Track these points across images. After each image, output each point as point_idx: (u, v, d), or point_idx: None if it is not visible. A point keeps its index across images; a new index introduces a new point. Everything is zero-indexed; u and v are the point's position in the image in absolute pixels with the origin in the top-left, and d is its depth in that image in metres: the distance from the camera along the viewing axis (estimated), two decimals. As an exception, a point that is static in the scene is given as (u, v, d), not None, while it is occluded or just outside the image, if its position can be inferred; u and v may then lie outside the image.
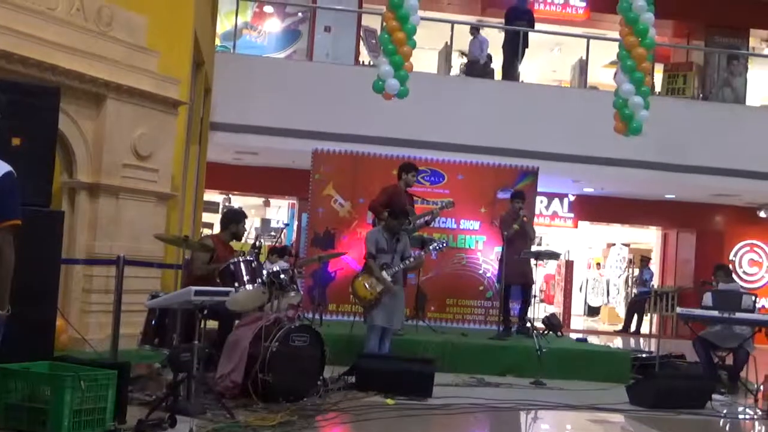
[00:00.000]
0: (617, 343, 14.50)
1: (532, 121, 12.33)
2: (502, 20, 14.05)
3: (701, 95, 15.34)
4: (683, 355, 9.62)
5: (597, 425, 6.57)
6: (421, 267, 9.00)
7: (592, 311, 21.27)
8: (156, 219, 7.54)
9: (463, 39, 14.40)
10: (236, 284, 6.06)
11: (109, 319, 6.66)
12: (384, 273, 7.48)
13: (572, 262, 19.04)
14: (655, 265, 17.78)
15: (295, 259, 8.18)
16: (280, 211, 20.67)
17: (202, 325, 5.48)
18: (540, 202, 15.85)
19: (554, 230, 17.86)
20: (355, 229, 10.00)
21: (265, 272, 6.29)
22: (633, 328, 16.49)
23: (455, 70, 14.88)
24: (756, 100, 16.37)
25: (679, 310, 9.08)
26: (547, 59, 17.91)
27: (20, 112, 5.23)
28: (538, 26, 14.34)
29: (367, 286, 7.49)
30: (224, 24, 14.61)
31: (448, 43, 13.98)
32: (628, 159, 12.44)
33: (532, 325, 9.13)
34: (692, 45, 16.31)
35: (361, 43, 16.08)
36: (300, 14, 16.37)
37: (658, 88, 14.87)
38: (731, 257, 16.61)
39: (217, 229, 8.25)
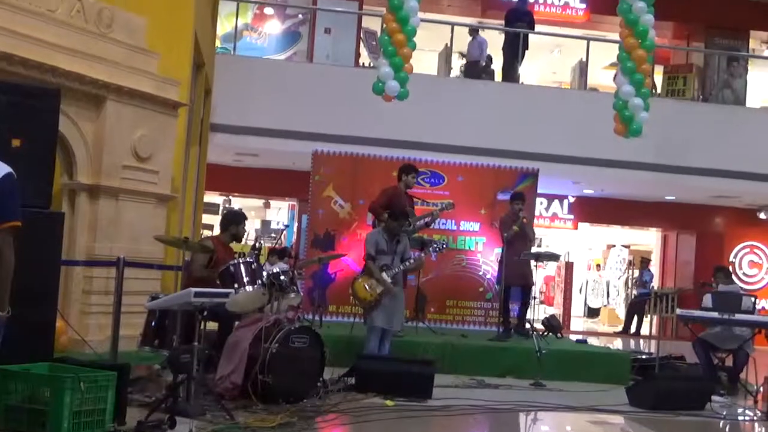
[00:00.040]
0: (617, 344, 14.50)
1: (532, 123, 12.34)
2: (502, 22, 14.07)
3: (701, 97, 15.34)
4: (683, 357, 9.62)
5: (597, 426, 6.57)
6: (421, 268, 9.00)
7: (592, 313, 21.27)
8: (156, 220, 7.55)
9: (463, 41, 14.41)
10: (236, 286, 6.06)
11: (108, 320, 6.67)
12: (384, 274, 7.48)
13: (572, 263, 19.04)
14: (655, 267, 17.78)
15: (294, 261, 8.20)
16: (280, 212, 20.67)
17: (202, 327, 5.49)
18: (540, 204, 15.85)
19: (554, 232, 17.86)
20: (355, 231, 10.00)
21: (264, 274, 6.29)
22: (633, 329, 16.49)
23: (455, 71, 14.88)
24: (756, 102, 16.38)
25: (678, 311, 9.08)
26: (547, 61, 17.92)
27: (21, 113, 5.25)
28: (538, 28, 14.36)
29: (367, 287, 7.49)
30: (224, 26, 14.62)
31: (448, 45, 13.99)
32: (628, 160, 12.45)
33: (532, 326, 9.13)
34: (692, 47, 16.32)
35: (362, 44, 16.10)
36: (300, 16, 16.37)
37: (658, 89, 14.88)
38: (731, 259, 16.61)
39: (217, 231, 8.25)
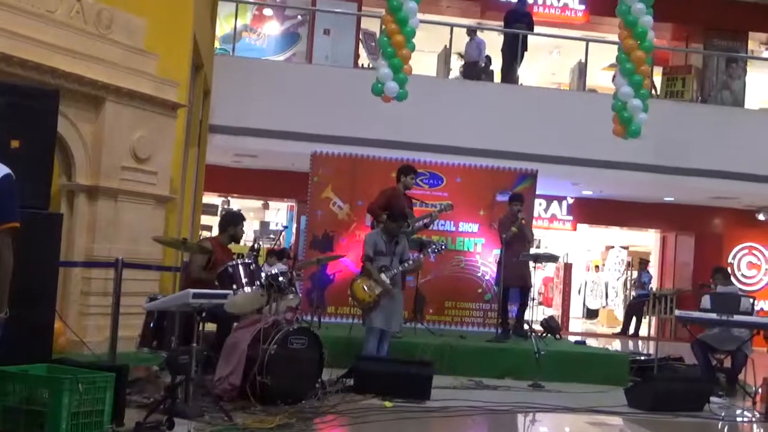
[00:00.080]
0: (616, 345, 14.51)
1: (531, 124, 12.34)
2: (502, 23, 14.07)
3: (700, 98, 15.36)
4: (681, 358, 9.62)
5: (595, 428, 6.58)
6: (420, 269, 9.01)
7: (591, 314, 21.27)
8: (154, 221, 7.54)
9: (462, 42, 14.42)
10: (234, 287, 6.06)
11: (107, 321, 6.66)
12: (383, 275, 7.49)
13: (571, 264, 19.05)
14: (653, 268, 17.78)
15: (293, 262, 8.19)
16: (279, 213, 20.69)
17: (201, 328, 5.49)
18: (539, 205, 15.86)
19: (553, 233, 17.87)
20: (354, 232, 10.00)
21: (263, 275, 6.29)
22: (631, 330, 16.49)
23: (454, 72, 14.89)
24: (755, 103, 16.41)
25: (677, 312, 9.09)
26: (547, 62, 17.93)
27: (19, 114, 5.24)
28: (537, 29, 14.36)
29: (365, 288, 7.50)
30: (224, 27, 14.62)
31: (447, 46, 14.00)
32: (626, 162, 12.46)
33: (531, 327, 9.13)
34: (691, 48, 16.34)
35: (361, 46, 16.10)
36: (299, 17, 16.38)
37: (657, 91, 14.89)
38: (730, 260, 16.62)
39: (215, 232, 8.25)
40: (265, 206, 20.36)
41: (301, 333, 6.18)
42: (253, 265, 6.29)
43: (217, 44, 13.43)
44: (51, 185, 5.66)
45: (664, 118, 11.67)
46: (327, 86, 11.98)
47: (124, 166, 7.27)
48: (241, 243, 9.69)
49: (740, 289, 10.79)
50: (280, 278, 6.29)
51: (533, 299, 9.55)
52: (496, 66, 14.47)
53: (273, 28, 16.67)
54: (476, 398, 6.95)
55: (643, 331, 16.44)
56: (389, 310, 7.53)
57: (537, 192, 10.90)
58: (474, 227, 10.37)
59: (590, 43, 13.69)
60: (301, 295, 7.49)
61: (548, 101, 13.06)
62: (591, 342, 11.97)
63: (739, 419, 7.46)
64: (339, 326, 9.25)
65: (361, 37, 15.95)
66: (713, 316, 8.04)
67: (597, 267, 21.94)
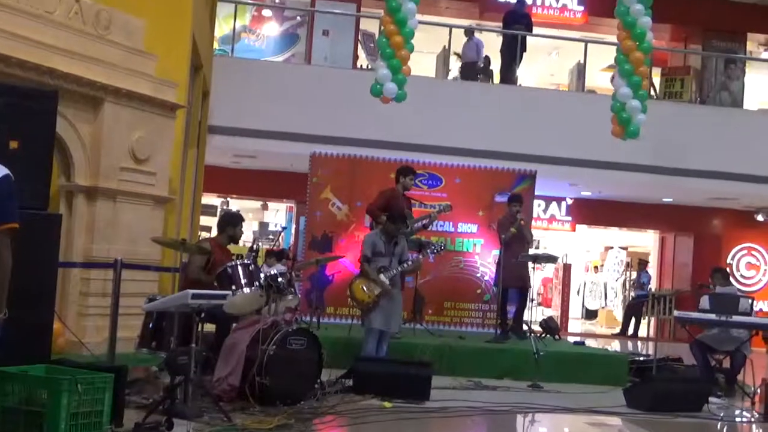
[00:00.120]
0: (615, 346, 14.52)
1: (530, 125, 12.34)
2: (500, 24, 14.08)
3: (699, 99, 15.38)
4: (680, 359, 9.62)
5: (594, 428, 6.58)
6: (419, 270, 9.02)
7: (590, 314, 21.28)
8: (153, 222, 7.54)
9: (461, 43, 14.42)
10: (233, 287, 6.06)
11: (106, 322, 6.66)
12: (382, 276, 7.49)
13: (570, 265, 19.04)
14: (652, 269, 17.79)
15: (292, 263, 8.18)
16: (278, 214, 20.69)
17: (200, 329, 5.48)
18: (538, 206, 15.86)
19: (552, 233, 17.87)
20: (353, 233, 10.00)
21: (262, 275, 6.29)
22: (630, 331, 16.50)
23: (453, 73, 14.89)
24: (753, 104, 16.42)
25: (676, 313, 9.09)
26: (545, 63, 17.94)
27: (18, 115, 5.24)
28: (536, 30, 14.37)
29: (365, 289, 7.50)
30: (223, 27, 14.63)
31: (446, 47, 14.00)
32: (625, 162, 12.46)
33: (530, 328, 9.14)
34: (690, 49, 16.35)
35: (359, 46, 16.10)
36: (298, 18, 16.40)
37: (657, 92, 14.90)
38: (729, 260, 16.63)
39: (215, 233, 8.25)
40: (264, 207, 20.37)
41: (300, 334, 6.18)
42: (252, 265, 6.29)
43: (216, 45, 13.44)
44: (50, 186, 5.65)
45: (662, 119, 11.68)
46: (326, 87, 11.98)
47: (123, 166, 7.27)
48: (240, 244, 9.69)
49: (739, 290, 10.81)
50: (279, 279, 6.29)
51: (532, 300, 9.56)
52: (495, 66, 14.48)
53: (272, 29, 16.68)
54: (475, 399, 6.96)
55: (642, 332, 16.44)
56: (388, 311, 7.53)
57: (536, 193, 10.90)
58: (473, 228, 10.38)
59: (589, 44, 13.69)
60: (300, 295, 7.49)
61: (547, 102, 13.06)
62: (590, 342, 11.97)
63: (737, 420, 7.47)
64: (338, 327, 9.26)
65: (360, 38, 15.96)
66: (712, 316, 8.04)
67: (596, 268, 21.95)
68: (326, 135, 11.53)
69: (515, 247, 9.03)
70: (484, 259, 10.28)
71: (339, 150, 10.53)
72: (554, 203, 16.71)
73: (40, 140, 5.43)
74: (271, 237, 17.87)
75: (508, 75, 13.75)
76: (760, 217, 16.22)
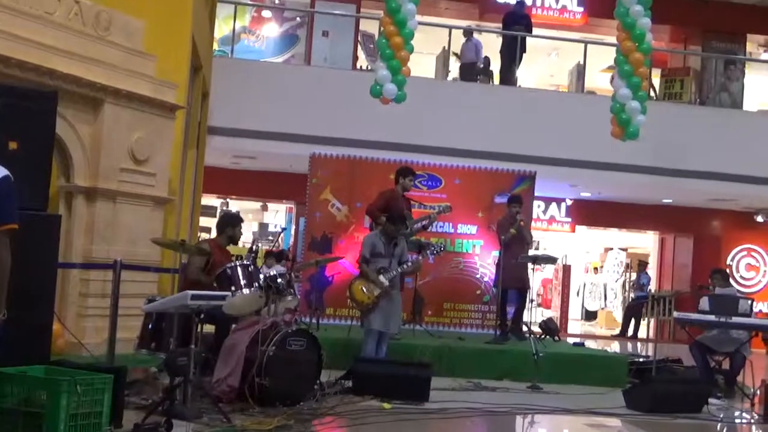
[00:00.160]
0: (614, 347, 14.52)
1: (529, 126, 12.35)
2: (500, 25, 14.08)
3: (698, 100, 15.38)
4: (680, 360, 9.62)
5: (594, 429, 6.57)
6: (419, 271, 9.02)
7: (590, 315, 21.28)
8: (153, 223, 7.54)
9: (460, 44, 14.42)
10: (233, 288, 6.05)
11: (105, 323, 6.66)
12: (381, 277, 7.49)
13: (569, 266, 19.05)
14: (652, 270, 17.79)
15: (292, 263, 8.18)
16: (278, 215, 20.70)
17: (199, 330, 5.48)
18: (537, 207, 15.87)
19: (551, 234, 17.88)
20: (353, 234, 10.00)
21: (261, 276, 6.28)
22: (630, 332, 16.49)
23: (453, 74, 14.90)
24: (753, 105, 16.42)
25: (676, 314, 9.09)
26: (545, 64, 17.95)
27: (17, 116, 5.24)
28: (535, 31, 14.38)
29: (364, 290, 7.50)
30: (222, 28, 14.64)
31: (446, 48, 14.00)
32: (625, 163, 12.46)
33: (529, 329, 9.13)
34: (689, 50, 16.36)
35: (359, 47, 16.11)
36: (298, 19, 16.41)
37: (656, 93, 14.90)
38: (728, 262, 16.63)
39: (214, 234, 8.25)
40: (264, 208, 20.37)
41: (300, 335, 6.17)
42: (252, 266, 6.29)
43: (215, 46, 13.44)
44: (49, 187, 5.65)
45: (662, 120, 11.69)
46: (326, 88, 11.98)
47: (123, 167, 7.27)
48: (240, 244, 9.68)
49: (739, 291, 10.82)
50: (279, 280, 6.28)
51: (532, 301, 9.54)
52: (495, 67, 14.48)
53: (272, 29, 16.69)
54: (475, 400, 6.95)
55: (642, 333, 16.44)
56: (388, 312, 7.53)
57: (535, 194, 10.89)
58: (473, 229, 10.37)
59: (589, 45, 13.71)
60: (299, 296, 7.48)
61: (547, 103, 13.07)
62: (590, 344, 11.98)
63: (737, 421, 7.47)
64: (337, 328, 9.25)
65: (359, 38, 15.97)
66: (712, 317, 8.04)
67: (596, 269, 21.95)
68: (326, 136, 11.54)
69: (515, 248, 9.03)
70: (483, 260, 10.28)
71: (338, 151, 10.53)
72: (554, 204, 16.71)
73: (40, 141, 5.43)
74: (270, 238, 17.87)
75: (508, 76, 13.76)
76: (759, 219, 16.23)
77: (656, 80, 15.11)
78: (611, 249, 21.26)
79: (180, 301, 5.26)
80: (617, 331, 17.15)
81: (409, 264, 7.82)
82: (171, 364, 5.32)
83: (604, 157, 12.34)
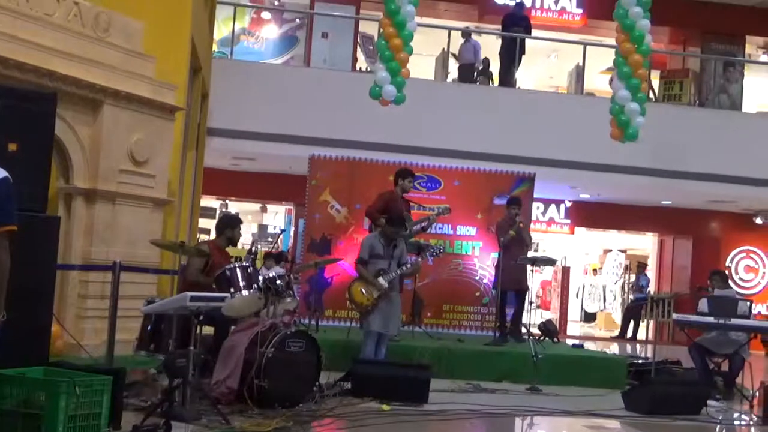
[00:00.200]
0: (613, 349, 14.51)
1: (528, 128, 12.35)
2: (499, 26, 14.09)
3: (697, 102, 15.39)
4: (679, 361, 9.63)
5: (593, 431, 6.57)
6: (418, 273, 9.02)
7: (589, 317, 21.28)
8: (152, 225, 7.54)
9: (459, 45, 14.43)
10: (232, 290, 6.05)
11: (104, 324, 6.65)
12: (381, 279, 7.49)
13: (569, 268, 19.05)
14: (651, 272, 17.80)
15: (291, 265, 8.17)
16: (277, 216, 20.69)
17: (198, 331, 5.48)
18: (536, 208, 15.88)
19: (551, 236, 17.89)
20: (352, 235, 10.00)
21: (260, 278, 6.28)
22: (629, 334, 16.49)
23: (452, 75, 14.91)
24: (752, 107, 16.44)
25: (675, 316, 9.09)
26: (544, 65, 17.96)
27: (17, 117, 5.24)
28: (534, 33, 14.38)
29: (363, 291, 7.50)
30: (222, 30, 14.64)
31: (445, 50, 14.01)
32: (624, 165, 12.47)
33: (528, 331, 9.13)
34: (688, 52, 16.38)
35: (359, 49, 16.12)
36: (297, 20, 16.42)
37: (656, 94, 14.92)
38: (727, 263, 16.64)
39: (213, 235, 8.25)
40: (263, 209, 20.36)
41: (299, 336, 6.17)
42: (251, 268, 6.29)
43: (215, 47, 13.45)
44: (48, 188, 5.64)
45: (661, 122, 11.70)
46: (325, 89, 11.99)
47: (122, 169, 7.27)
48: (239, 246, 9.68)
49: (738, 293, 10.83)
50: (278, 281, 6.28)
51: (531, 303, 9.54)
52: (495, 68, 14.49)
53: (271, 31, 16.69)
54: (474, 401, 6.95)
55: (641, 335, 16.43)
56: (387, 314, 7.53)
57: (535, 195, 10.91)
58: (472, 230, 10.38)
59: (588, 47, 13.71)
60: (298, 298, 7.48)
61: (546, 105, 13.08)
62: (589, 345, 12.00)
63: (736, 423, 7.47)
64: (337, 329, 9.25)
65: (359, 40, 15.97)
66: (711, 319, 8.04)
67: (595, 270, 21.95)
68: (325, 137, 11.54)
69: (514, 249, 9.04)
70: (482, 262, 10.28)
71: (338, 152, 10.53)
72: (553, 206, 16.72)
73: (39, 142, 5.43)
74: (269, 239, 17.86)
75: (507, 77, 13.77)
76: (758, 220, 16.23)
77: (655, 82, 15.13)
78: (610, 251, 21.26)
79: (179, 303, 5.26)
80: (616, 332, 17.15)
81: (409, 266, 7.82)
82: (170, 366, 5.32)
83: (604, 159, 12.35)
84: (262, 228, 20.43)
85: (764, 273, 16.98)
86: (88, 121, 7.06)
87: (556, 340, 10.26)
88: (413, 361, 7.75)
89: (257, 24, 16.72)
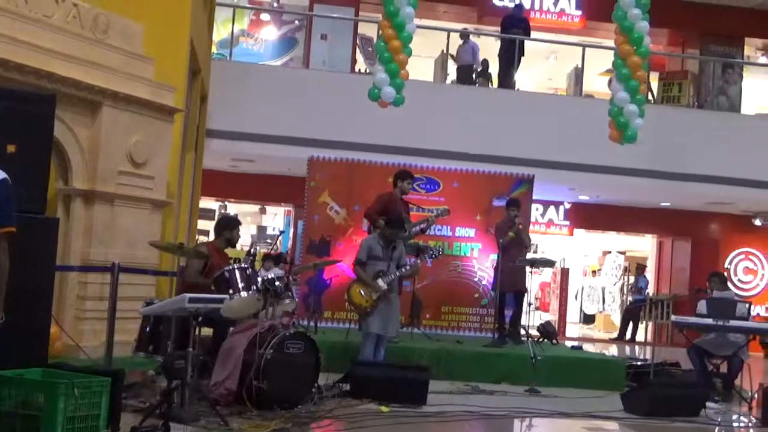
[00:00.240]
0: (612, 350, 14.50)
1: (527, 129, 12.36)
2: (498, 28, 14.11)
3: (696, 103, 15.41)
4: (678, 363, 9.62)
5: (591, 433, 6.58)
6: (417, 275, 9.02)
7: (588, 319, 21.28)
8: (151, 226, 7.55)
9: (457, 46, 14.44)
10: (231, 291, 6.05)
11: (103, 326, 6.66)
12: (380, 280, 7.49)
13: (568, 269, 19.04)
14: (650, 273, 17.79)
15: (290, 266, 8.17)
16: (276, 218, 20.68)
17: (197, 333, 5.48)
18: (535, 210, 15.89)
19: (550, 238, 17.88)
20: (351, 237, 10.00)
21: (259, 279, 6.28)
22: (628, 335, 16.49)
23: (452, 77, 14.91)
24: (751, 109, 16.45)
25: (674, 318, 9.09)
26: (543, 67, 17.97)
27: (16, 119, 5.24)
28: (533, 34, 14.40)
29: (362, 293, 7.50)
30: (221, 31, 14.65)
31: (444, 51, 14.02)
32: (623, 167, 12.49)
33: (527, 332, 9.13)
34: (687, 53, 16.38)
35: (358, 51, 16.12)
36: (297, 22, 16.41)
37: (654, 96, 14.93)
38: (726, 265, 16.65)
39: (212, 237, 8.25)
40: (262, 211, 20.36)
41: (298, 338, 6.17)
42: (250, 269, 6.29)
43: (214, 49, 13.45)
44: (47, 189, 5.64)
45: (660, 124, 11.72)
46: (324, 91, 12.00)
47: (121, 170, 7.28)
48: (238, 247, 9.69)
49: (736, 295, 10.81)
50: (277, 283, 6.28)
51: (530, 304, 9.54)
52: (494, 70, 14.49)
53: (270, 33, 16.69)
54: (473, 403, 6.95)
55: (640, 337, 16.42)
56: (386, 315, 7.53)
57: (534, 197, 10.91)
58: (471, 232, 10.38)
59: (587, 49, 13.73)
60: (297, 299, 7.48)
61: (545, 106, 13.09)
62: (588, 347, 11.99)
63: (735, 425, 7.48)
64: (335, 331, 9.24)
65: (358, 42, 15.97)
66: (709, 321, 8.04)
67: (594, 272, 21.94)
68: (324, 139, 11.55)
69: (513, 251, 9.03)
70: (481, 264, 10.28)
71: (337, 154, 10.53)
72: (552, 207, 16.72)
73: (38, 144, 5.43)
74: (268, 241, 17.86)
75: (506, 79, 13.78)
76: (757, 222, 16.24)
77: (654, 83, 15.14)
78: (609, 252, 21.25)
79: (178, 304, 5.27)
80: (615, 334, 17.15)
81: (408, 267, 7.82)
82: (169, 367, 5.32)
83: (602, 161, 12.36)
84: (261, 229, 20.43)
85: (763, 275, 16.99)
86: (87, 122, 7.07)
87: (554, 341, 10.26)
88: (412, 362, 7.75)
89: (256, 26, 16.72)
